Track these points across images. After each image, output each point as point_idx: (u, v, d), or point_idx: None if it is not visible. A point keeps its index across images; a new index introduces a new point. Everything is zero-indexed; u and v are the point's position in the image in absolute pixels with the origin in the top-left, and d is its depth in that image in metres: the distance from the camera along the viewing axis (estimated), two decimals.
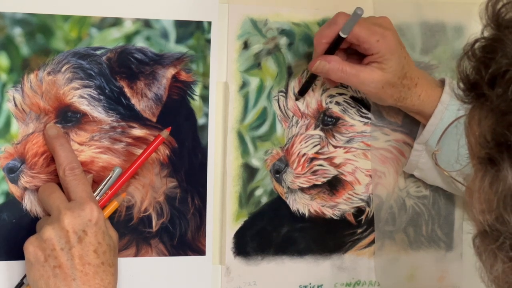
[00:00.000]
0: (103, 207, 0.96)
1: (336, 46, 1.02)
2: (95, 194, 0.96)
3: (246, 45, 1.06)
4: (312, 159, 1.09)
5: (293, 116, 1.08)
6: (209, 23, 1.04)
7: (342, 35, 1.00)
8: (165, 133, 1.00)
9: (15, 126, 0.97)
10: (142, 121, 1.01)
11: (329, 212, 1.10)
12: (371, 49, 1.01)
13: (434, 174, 1.09)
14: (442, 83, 1.06)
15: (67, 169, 0.95)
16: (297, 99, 1.08)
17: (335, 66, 1.01)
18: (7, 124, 0.97)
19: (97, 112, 1.00)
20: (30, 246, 0.90)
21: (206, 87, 1.04)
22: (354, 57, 1.05)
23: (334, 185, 1.10)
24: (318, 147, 1.09)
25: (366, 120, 1.11)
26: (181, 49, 1.03)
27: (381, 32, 1.01)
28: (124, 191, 1.00)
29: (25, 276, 0.94)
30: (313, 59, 1.03)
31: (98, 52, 1.00)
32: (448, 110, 1.03)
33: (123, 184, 0.98)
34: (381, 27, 1.02)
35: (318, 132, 1.09)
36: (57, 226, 0.90)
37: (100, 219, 0.92)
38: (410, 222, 1.13)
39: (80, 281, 0.89)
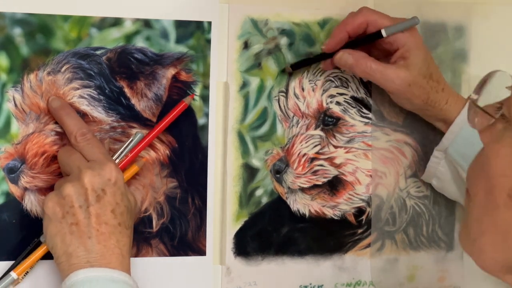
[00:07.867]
0: (123, 170, 0.96)
1: (364, 41, 1.02)
2: (114, 157, 0.96)
3: (246, 45, 1.06)
4: (313, 159, 1.08)
5: (293, 116, 1.08)
6: (209, 23, 1.04)
7: (384, 33, 1.00)
8: (188, 99, 1.00)
9: (15, 126, 0.97)
10: (142, 121, 1.01)
11: (329, 212, 1.10)
12: (397, 42, 1.01)
13: (453, 186, 1.08)
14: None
15: (78, 135, 0.94)
16: (286, 71, 1.07)
17: (361, 61, 1.01)
18: (7, 124, 0.97)
19: (97, 112, 1.00)
20: (50, 202, 0.90)
21: (206, 87, 1.04)
22: (374, 54, 1.05)
23: (334, 185, 1.10)
24: (319, 147, 1.09)
25: (366, 120, 1.11)
26: (181, 49, 1.03)
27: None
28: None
29: (41, 235, 0.94)
30: (329, 40, 1.03)
31: (98, 52, 0.99)
32: None
33: (143, 148, 0.99)
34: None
35: (318, 132, 1.09)
36: (77, 184, 0.90)
37: (119, 179, 0.92)
38: (411, 222, 1.13)
39: (95, 240, 0.89)
